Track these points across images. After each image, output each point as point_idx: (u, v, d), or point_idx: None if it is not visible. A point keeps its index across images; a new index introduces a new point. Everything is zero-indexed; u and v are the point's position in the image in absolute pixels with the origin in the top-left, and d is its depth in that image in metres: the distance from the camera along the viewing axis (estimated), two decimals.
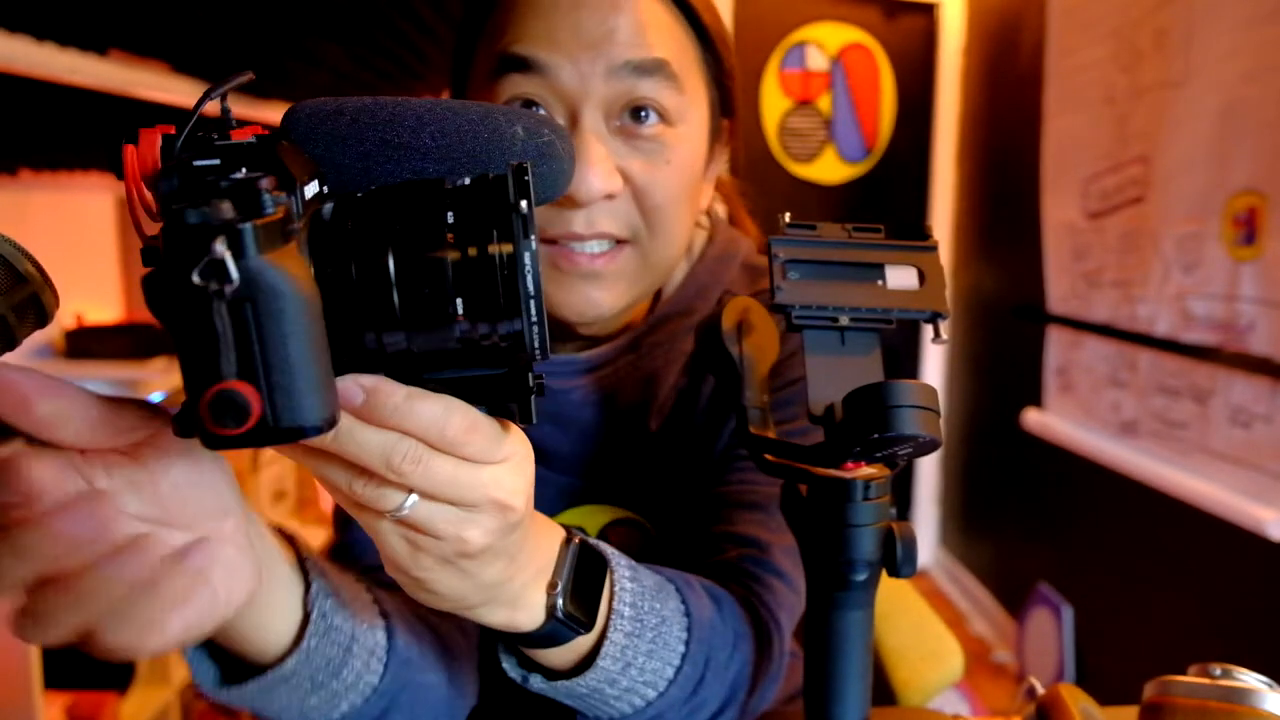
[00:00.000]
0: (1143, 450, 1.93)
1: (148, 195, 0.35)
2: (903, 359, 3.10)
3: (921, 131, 3.05)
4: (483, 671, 0.65)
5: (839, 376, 0.52)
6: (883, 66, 3.01)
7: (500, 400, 0.39)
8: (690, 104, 0.67)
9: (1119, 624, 2.08)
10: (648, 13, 0.64)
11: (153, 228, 0.34)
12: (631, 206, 0.66)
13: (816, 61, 2.97)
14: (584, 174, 0.62)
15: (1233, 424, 1.65)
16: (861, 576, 0.51)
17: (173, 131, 0.35)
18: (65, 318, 1.86)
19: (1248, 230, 1.60)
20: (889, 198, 3.07)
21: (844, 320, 0.52)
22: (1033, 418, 2.37)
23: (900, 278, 0.53)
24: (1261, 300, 1.57)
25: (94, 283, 2.06)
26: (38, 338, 1.75)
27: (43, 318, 0.36)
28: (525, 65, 0.63)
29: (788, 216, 0.54)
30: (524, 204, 0.35)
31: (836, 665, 0.53)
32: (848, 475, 0.50)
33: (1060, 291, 2.27)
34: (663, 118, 0.65)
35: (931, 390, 0.45)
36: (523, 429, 0.41)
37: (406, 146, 0.40)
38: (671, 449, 0.74)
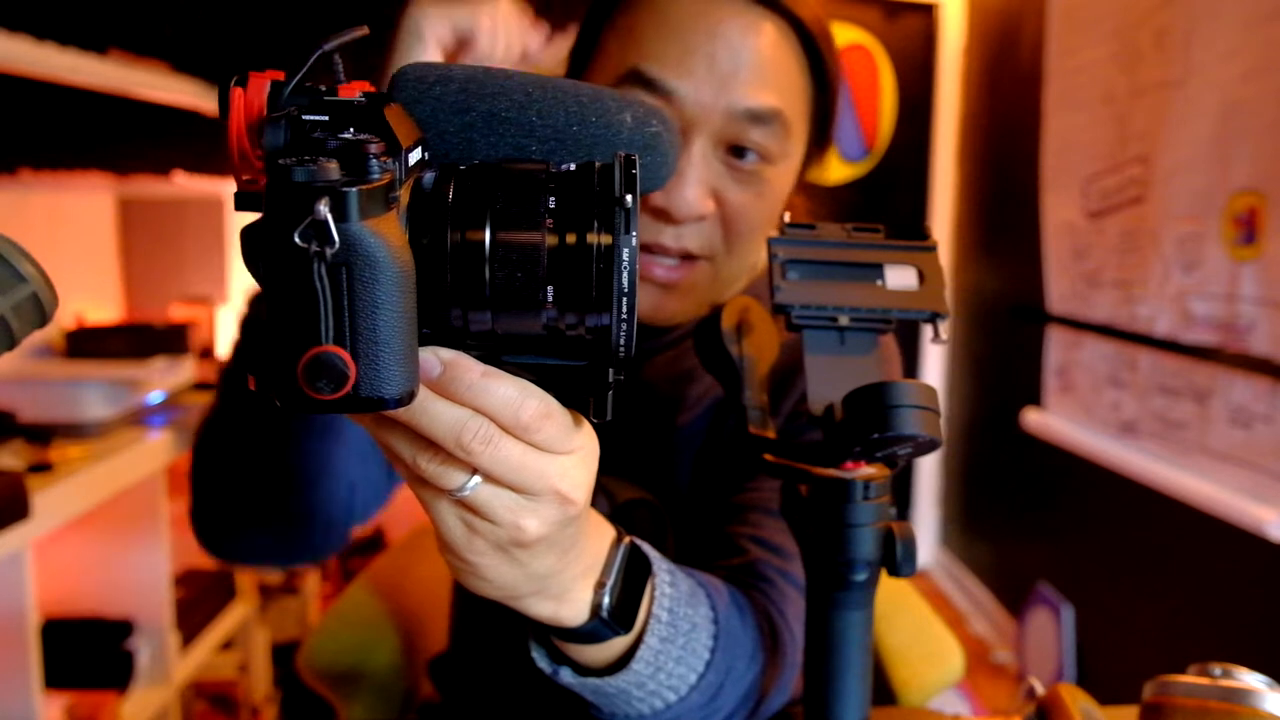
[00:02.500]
0: (1143, 450, 1.92)
1: (247, 143, 0.34)
2: (903, 359, 3.10)
3: (921, 131, 3.05)
4: (504, 661, 0.65)
5: (839, 376, 0.52)
6: (883, 66, 3.01)
7: (577, 393, 0.38)
8: (794, 146, 0.70)
9: (1119, 624, 2.08)
10: (776, 51, 0.66)
11: (249, 174, 0.34)
12: (717, 228, 0.69)
13: None
14: (684, 191, 0.64)
15: (1233, 424, 1.65)
16: (861, 576, 0.51)
17: (282, 78, 0.34)
18: (65, 318, 1.86)
19: (1248, 230, 1.60)
20: (889, 198, 3.07)
21: (844, 320, 0.52)
22: (1033, 418, 2.37)
23: (900, 278, 0.53)
24: (1261, 300, 1.57)
25: (94, 283, 2.06)
26: (38, 338, 1.75)
27: (43, 318, 0.36)
28: (653, 85, 0.64)
29: (787, 216, 0.54)
30: (629, 198, 0.34)
31: (836, 665, 0.53)
32: (847, 475, 0.50)
33: (1060, 291, 2.27)
34: (765, 158, 0.67)
35: (931, 390, 0.45)
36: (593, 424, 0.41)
37: (511, 121, 0.39)
38: (696, 448, 0.75)
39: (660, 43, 0.64)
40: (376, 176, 0.31)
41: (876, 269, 0.53)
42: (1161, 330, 1.85)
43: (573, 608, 0.48)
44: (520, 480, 0.38)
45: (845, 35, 2.97)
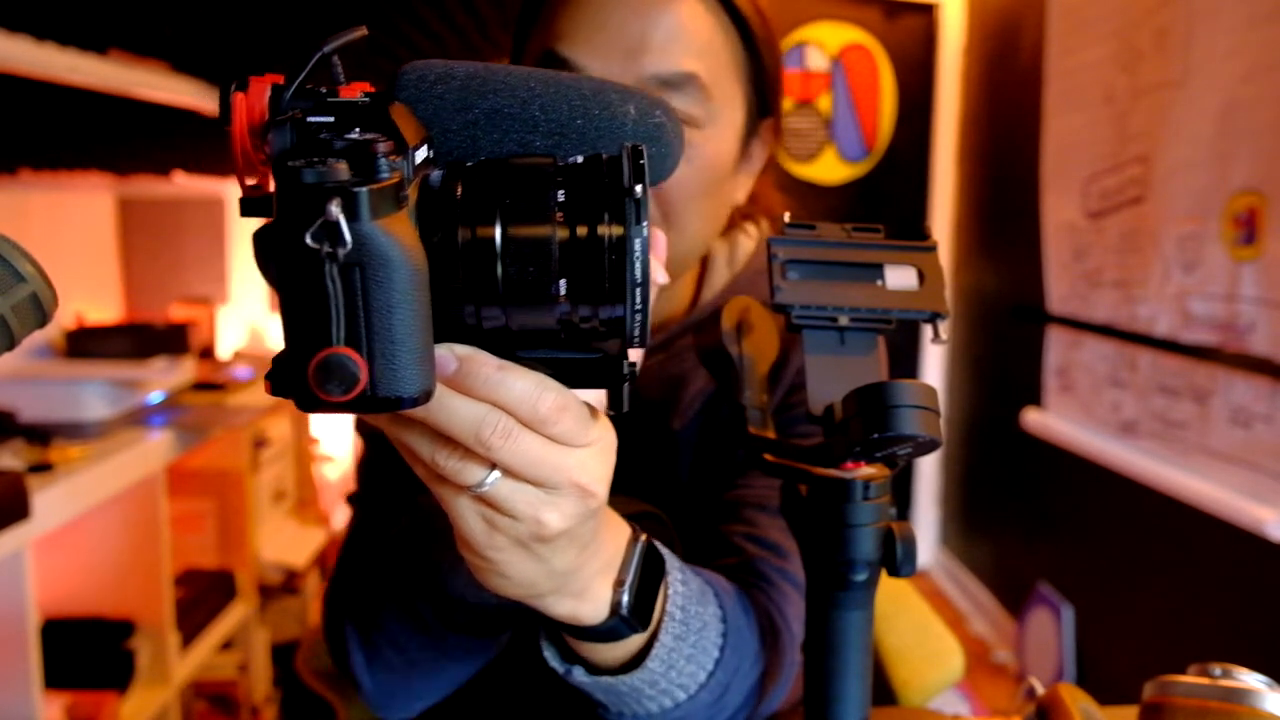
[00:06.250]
0: (1143, 450, 1.92)
1: (250, 147, 0.34)
2: (903, 359, 3.10)
3: (921, 131, 3.05)
4: (505, 660, 0.65)
5: (839, 376, 0.51)
6: (883, 66, 3.01)
7: (592, 385, 0.38)
8: (721, 109, 0.68)
9: (1119, 624, 2.08)
10: (687, 16, 0.65)
11: (254, 178, 0.34)
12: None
13: (816, 61, 2.97)
14: None
15: (1233, 424, 1.65)
16: (861, 576, 0.51)
17: (282, 81, 0.34)
18: (65, 318, 1.86)
19: (1248, 230, 1.60)
20: (889, 198, 3.07)
21: (843, 320, 0.52)
22: (1033, 418, 2.37)
23: (900, 278, 0.53)
24: (1261, 300, 1.57)
25: (94, 283, 2.07)
26: (38, 337, 1.75)
27: (43, 318, 0.36)
28: (566, 66, 0.64)
29: (787, 216, 0.54)
30: (638, 188, 0.34)
31: (836, 665, 0.53)
32: (847, 475, 0.50)
33: (1060, 291, 2.27)
34: (688, 124, 0.66)
35: (931, 390, 0.45)
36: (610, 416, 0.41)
37: (515, 117, 0.39)
38: (692, 450, 0.74)
39: (571, 23, 0.65)
40: (386, 175, 0.31)
41: (876, 269, 0.53)
42: (1161, 330, 1.85)
43: (592, 605, 0.48)
44: (540, 474, 0.38)
45: (845, 35, 2.97)
